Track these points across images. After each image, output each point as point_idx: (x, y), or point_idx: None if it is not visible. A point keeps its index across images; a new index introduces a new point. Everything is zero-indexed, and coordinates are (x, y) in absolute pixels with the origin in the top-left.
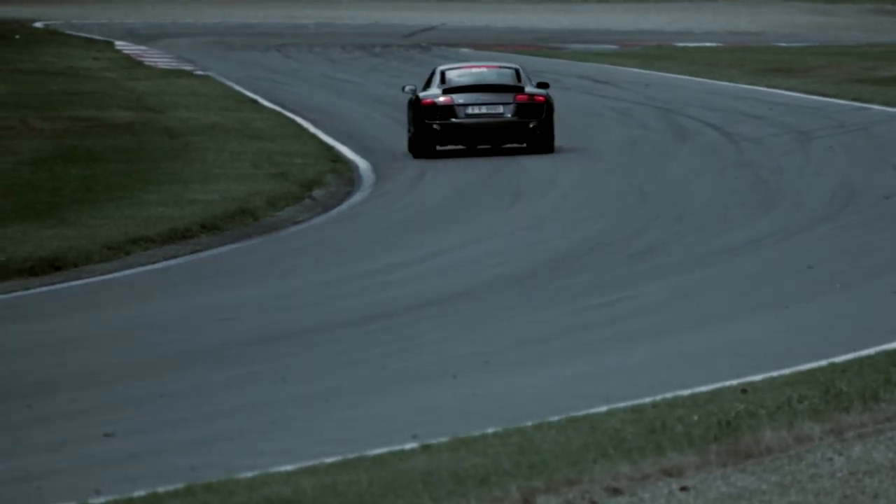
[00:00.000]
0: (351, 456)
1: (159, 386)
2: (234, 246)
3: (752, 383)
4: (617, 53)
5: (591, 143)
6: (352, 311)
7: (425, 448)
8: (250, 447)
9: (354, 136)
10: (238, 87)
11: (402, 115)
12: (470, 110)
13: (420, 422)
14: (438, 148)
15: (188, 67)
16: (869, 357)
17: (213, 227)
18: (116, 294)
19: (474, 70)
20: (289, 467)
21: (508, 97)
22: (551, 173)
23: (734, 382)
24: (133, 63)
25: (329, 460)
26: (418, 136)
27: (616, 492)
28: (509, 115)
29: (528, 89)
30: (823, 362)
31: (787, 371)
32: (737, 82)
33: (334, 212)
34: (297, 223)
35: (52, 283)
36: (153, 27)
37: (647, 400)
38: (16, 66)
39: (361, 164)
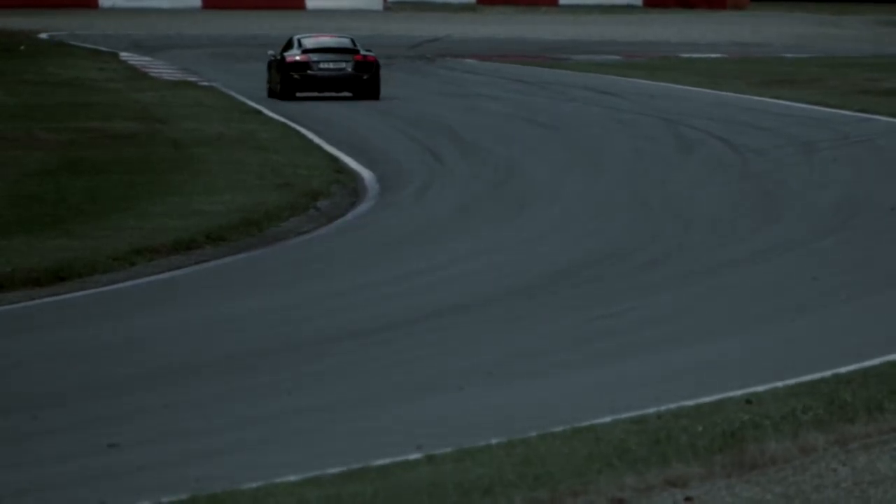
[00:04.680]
0: (356, 467)
1: (164, 397)
2: (238, 257)
3: (756, 394)
4: (621, 64)
5: (596, 155)
6: (356, 322)
7: (430, 459)
8: (255, 458)
9: (359, 147)
10: (243, 98)
11: (405, 125)
12: (321, 65)
13: (425, 433)
14: (298, 94)
15: (193, 78)
16: (873, 368)
17: (218, 238)
18: (121, 305)
19: (322, 38)
20: (293, 478)
21: (349, 57)
22: (556, 185)
23: (739, 393)
24: (138, 74)
25: (334, 471)
26: (283, 85)
27: (621, 502)
28: (350, 70)
29: (363, 52)
30: (828, 373)
31: (791, 382)
32: (742, 93)
33: (339, 223)
34: (301, 234)
35: (57, 294)
36: (158, 38)
37: (652, 411)
38: (21, 77)
39: (366, 174)
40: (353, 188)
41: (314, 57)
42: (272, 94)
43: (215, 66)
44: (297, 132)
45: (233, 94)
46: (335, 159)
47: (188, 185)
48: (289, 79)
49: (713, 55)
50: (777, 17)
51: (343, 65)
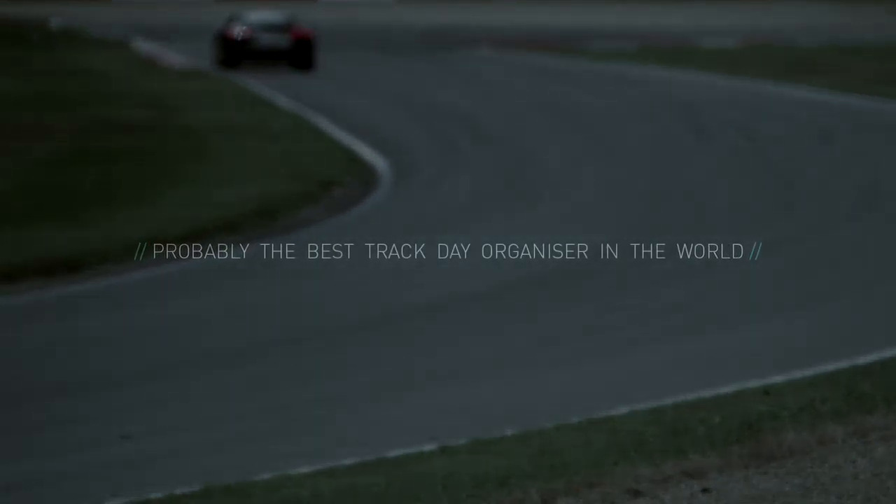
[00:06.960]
0: (369, 458)
1: (176, 388)
2: (252, 246)
3: (774, 385)
4: (638, 52)
5: (612, 143)
6: (370, 312)
7: (444, 450)
8: (268, 449)
9: (373, 136)
10: (256, 87)
11: (419, 113)
12: (263, 39)
13: (439, 424)
14: (241, 64)
15: (206, 68)
16: (892, 358)
17: (232, 228)
18: (133, 295)
19: (263, 14)
20: (307, 469)
21: (288, 32)
22: (572, 175)
23: (756, 384)
24: (150, 63)
25: (347, 462)
26: (228, 55)
27: (637, 494)
28: (287, 44)
29: (300, 28)
30: (846, 364)
31: (809, 372)
32: (759, 81)
33: (353, 212)
34: (315, 223)
35: (69, 284)
36: (171, 27)
37: (669, 401)
38: (32, 66)
39: (380, 164)
40: (367, 177)
41: (256, 31)
42: (219, 62)
43: None
44: (311, 121)
45: (246, 83)
46: (349, 148)
47: (201, 175)
48: (232, 50)
49: (730, 43)
50: (795, 6)
51: (281, 39)
